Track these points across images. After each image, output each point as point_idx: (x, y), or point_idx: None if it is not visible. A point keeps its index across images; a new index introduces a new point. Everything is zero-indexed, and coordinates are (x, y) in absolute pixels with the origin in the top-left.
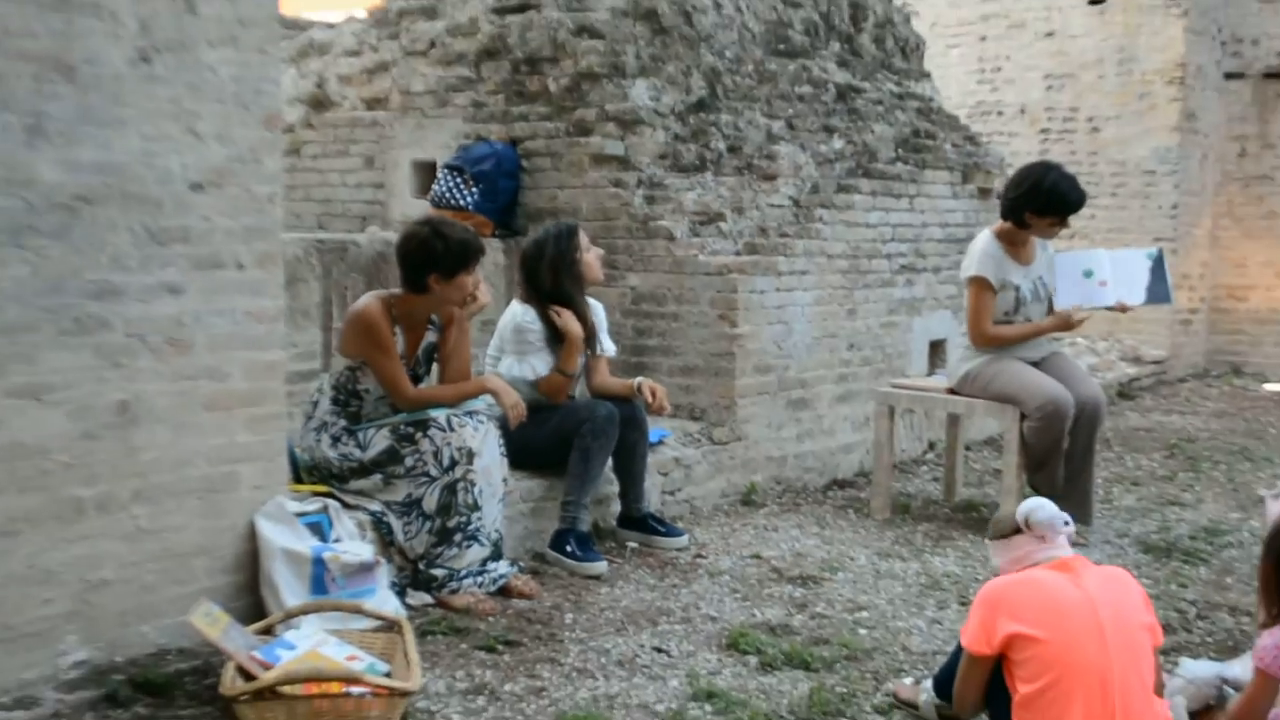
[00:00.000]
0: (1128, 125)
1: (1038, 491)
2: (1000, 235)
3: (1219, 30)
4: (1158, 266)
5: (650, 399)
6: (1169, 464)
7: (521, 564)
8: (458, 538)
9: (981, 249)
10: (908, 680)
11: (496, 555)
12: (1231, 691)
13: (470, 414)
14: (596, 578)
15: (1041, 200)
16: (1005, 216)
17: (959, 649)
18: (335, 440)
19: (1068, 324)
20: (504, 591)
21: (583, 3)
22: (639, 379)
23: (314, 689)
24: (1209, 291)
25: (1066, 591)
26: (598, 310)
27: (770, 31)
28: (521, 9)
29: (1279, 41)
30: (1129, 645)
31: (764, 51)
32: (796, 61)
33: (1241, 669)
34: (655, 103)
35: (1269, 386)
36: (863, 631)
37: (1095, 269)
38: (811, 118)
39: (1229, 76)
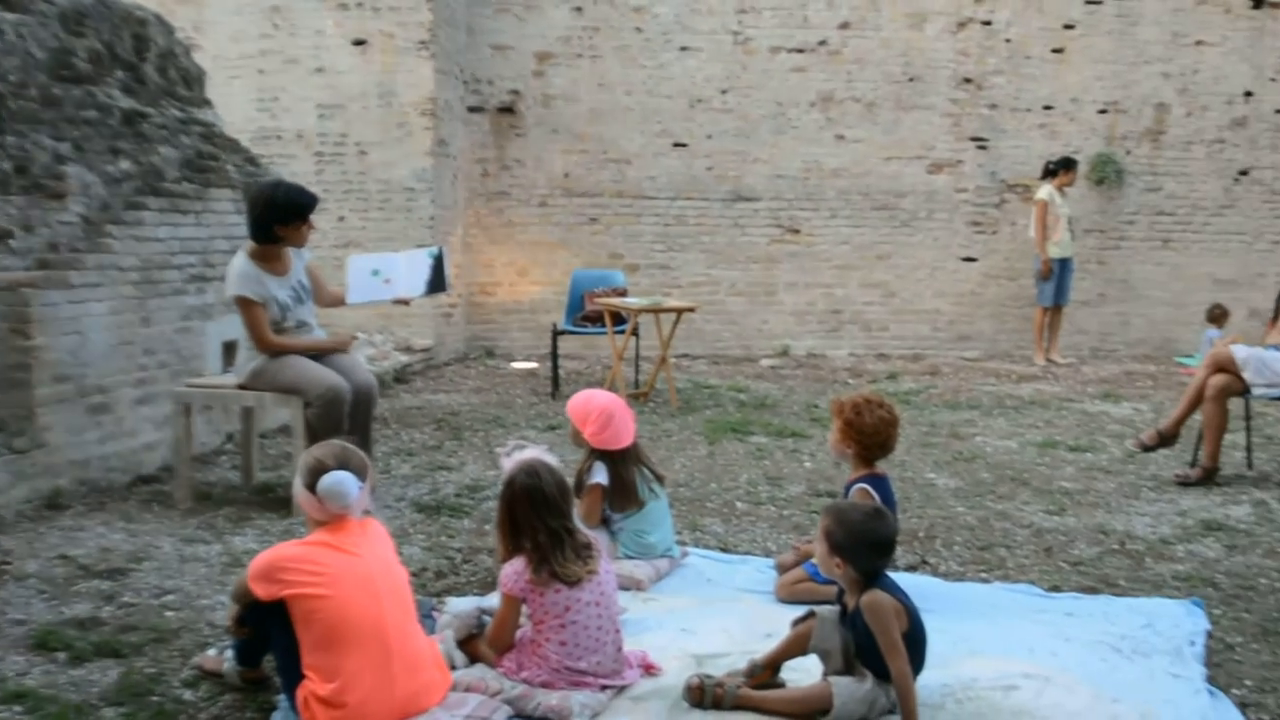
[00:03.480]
0: (391, 150)
1: None
2: (253, 255)
3: (461, 71)
4: (438, 263)
5: None
6: (438, 435)
7: None
8: None
9: (239, 270)
10: (211, 652)
11: None
12: (489, 619)
13: None
14: None
15: (281, 211)
16: (258, 239)
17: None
18: None
19: (343, 346)
20: None
21: None
22: None
23: None
24: (465, 289)
25: (337, 553)
26: None
27: (54, 58)
28: None
29: (509, 82)
30: (396, 592)
31: (49, 77)
32: (82, 87)
33: (497, 599)
34: None
35: (515, 364)
36: (170, 613)
37: (382, 268)
38: (99, 140)
39: (472, 110)
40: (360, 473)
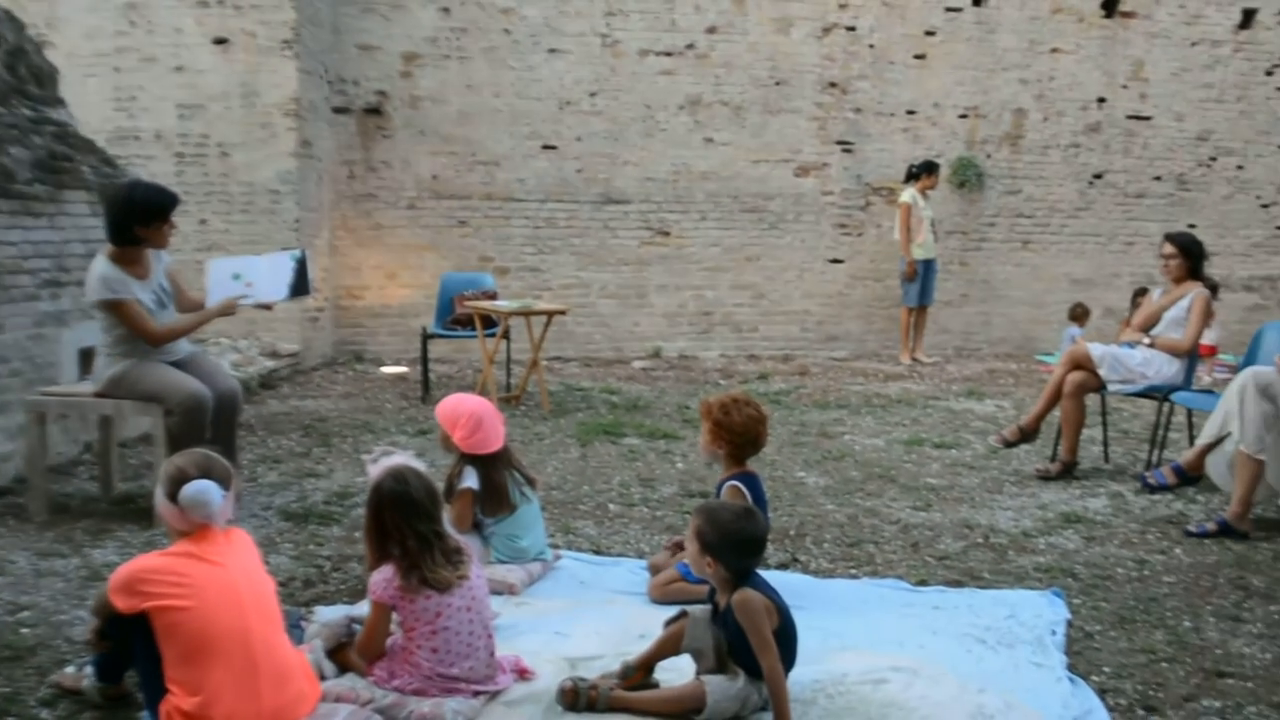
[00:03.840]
0: (254, 151)
1: None
2: (114, 258)
3: (326, 71)
4: (301, 266)
5: None
6: (305, 441)
7: None
8: None
9: (101, 274)
10: (70, 669)
11: None
12: (359, 627)
13: None
14: None
15: (141, 211)
16: (117, 242)
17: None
18: None
19: (229, 310)
20: None
21: None
22: None
23: None
24: (332, 292)
25: (200, 563)
26: None
27: None
28: None
29: (375, 83)
30: (262, 602)
31: None
32: None
33: (367, 608)
34: None
35: (385, 369)
36: (25, 630)
37: (244, 272)
38: None
39: (337, 111)
40: (224, 481)
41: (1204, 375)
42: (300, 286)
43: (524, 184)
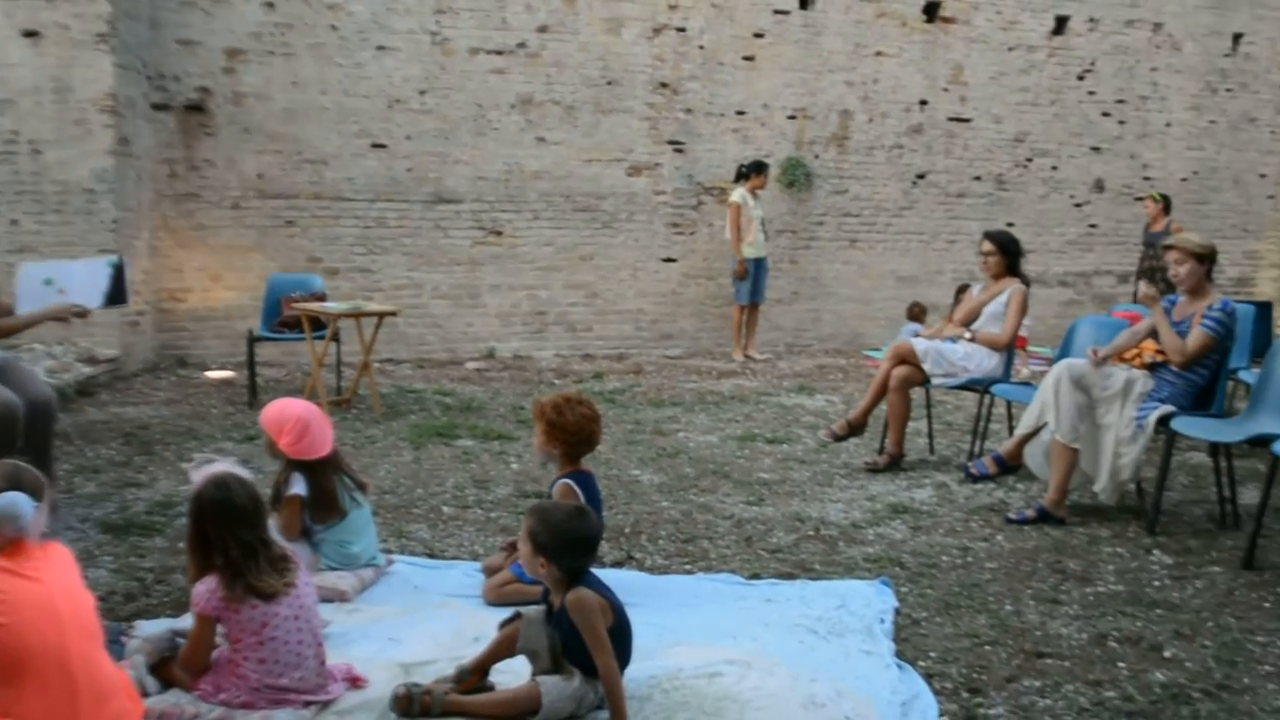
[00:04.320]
0: (68, 149)
1: None
2: None
3: (145, 66)
4: (118, 274)
5: None
6: (126, 450)
7: None
8: None
9: None
10: None
11: None
12: (183, 641)
13: None
14: None
15: None
16: None
17: None
18: None
19: (63, 314)
20: None
21: None
22: None
23: None
24: (153, 295)
25: (15, 579)
26: None
27: None
28: None
29: (197, 79)
30: (80, 618)
31: None
32: None
33: (190, 620)
34: None
35: (210, 374)
36: None
37: (56, 278)
38: None
39: (156, 107)
40: (35, 493)
41: (1021, 368)
42: (117, 295)
43: (353, 183)
